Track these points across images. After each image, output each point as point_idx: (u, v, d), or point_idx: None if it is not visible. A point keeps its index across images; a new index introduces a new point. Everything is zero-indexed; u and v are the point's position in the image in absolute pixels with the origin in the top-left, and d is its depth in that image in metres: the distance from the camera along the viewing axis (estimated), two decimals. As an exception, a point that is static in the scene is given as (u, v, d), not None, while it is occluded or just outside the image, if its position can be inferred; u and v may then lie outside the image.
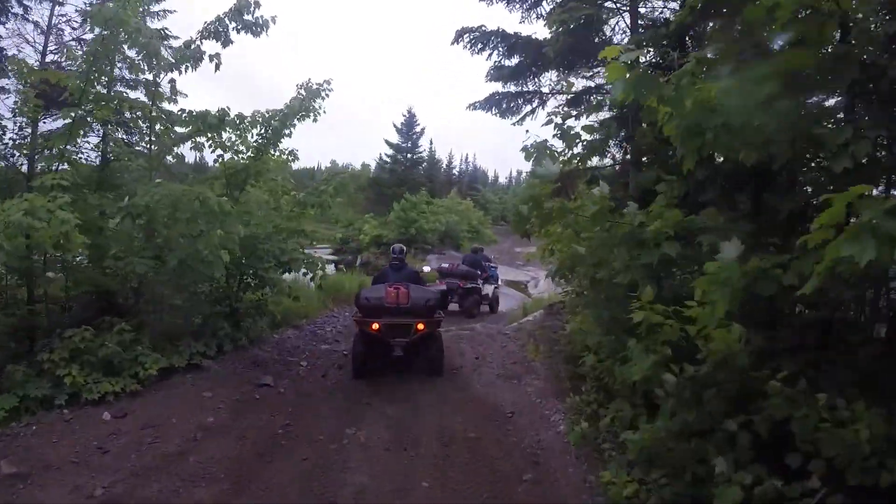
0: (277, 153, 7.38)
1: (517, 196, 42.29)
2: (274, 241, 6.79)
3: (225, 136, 6.88)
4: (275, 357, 6.72)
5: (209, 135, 6.71)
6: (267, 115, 6.86)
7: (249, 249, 6.70)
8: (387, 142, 33.39)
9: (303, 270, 7.12)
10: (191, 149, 7.09)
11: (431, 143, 44.84)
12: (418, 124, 33.43)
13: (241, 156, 7.02)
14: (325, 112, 7.37)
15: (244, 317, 6.98)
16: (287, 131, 7.06)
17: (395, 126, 33.48)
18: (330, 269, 19.50)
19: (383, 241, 22.94)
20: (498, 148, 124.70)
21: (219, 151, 6.88)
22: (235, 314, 6.84)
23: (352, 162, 53.20)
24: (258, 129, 6.96)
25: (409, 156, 33.36)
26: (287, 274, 6.74)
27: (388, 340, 5.75)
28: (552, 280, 5.99)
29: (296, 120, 7.17)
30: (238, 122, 6.64)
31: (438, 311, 6.12)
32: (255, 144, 7.02)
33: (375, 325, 5.72)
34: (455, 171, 57.86)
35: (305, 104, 7.12)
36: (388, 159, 33.39)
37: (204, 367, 6.04)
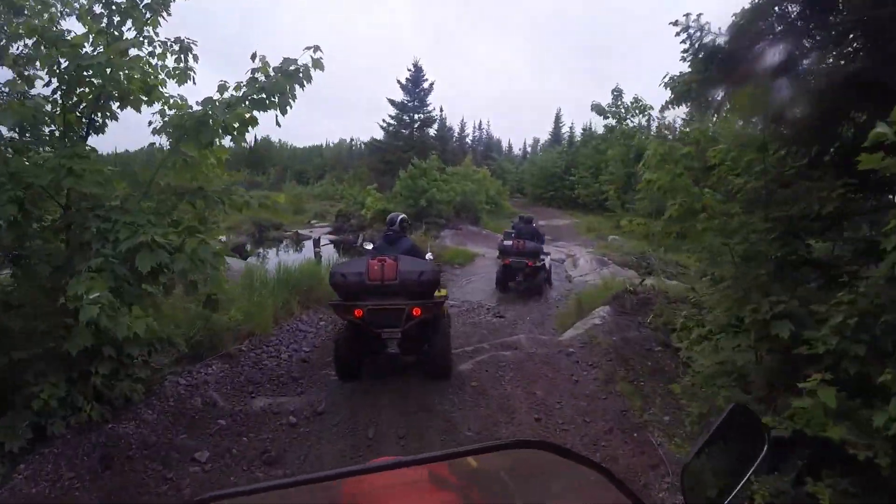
0: (156, 50, 3.97)
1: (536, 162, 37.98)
2: (134, 210, 3.43)
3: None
4: (151, 441, 3.44)
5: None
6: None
7: (77, 229, 3.39)
8: (390, 101, 28.96)
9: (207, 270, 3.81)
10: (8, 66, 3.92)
11: (442, 109, 39.92)
12: (426, 79, 28.95)
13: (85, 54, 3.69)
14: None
15: (102, 362, 3.70)
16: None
17: (398, 83, 29.07)
18: (304, 250, 16.10)
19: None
20: (514, 116, 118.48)
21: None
22: (76, 361, 3.57)
23: (356, 136, 48.53)
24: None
25: (416, 115, 29.13)
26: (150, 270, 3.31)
27: (376, 332, 4.44)
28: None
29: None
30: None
31: (439, 289, 4.85)
32: (99, 28, 3.70)
33: (358, 312, 4.37)
34: (468, 140, 53.45)
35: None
36: (392, 121, 29.26)
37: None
